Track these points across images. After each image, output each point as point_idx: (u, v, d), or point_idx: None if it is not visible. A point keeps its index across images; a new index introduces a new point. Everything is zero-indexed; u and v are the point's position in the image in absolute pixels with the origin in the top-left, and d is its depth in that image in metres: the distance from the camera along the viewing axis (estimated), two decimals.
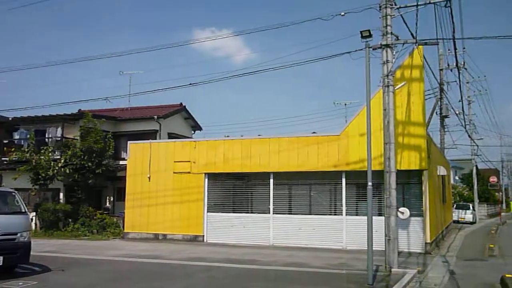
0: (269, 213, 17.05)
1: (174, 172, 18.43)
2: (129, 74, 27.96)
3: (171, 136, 24.62)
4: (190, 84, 15.81)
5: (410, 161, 14.87)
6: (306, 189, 17.54)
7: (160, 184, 18.64)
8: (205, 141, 18.77)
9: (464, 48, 31.47)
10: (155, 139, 23.05)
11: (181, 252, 14.91)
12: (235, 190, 17.89)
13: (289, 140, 16.98)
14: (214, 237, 17.62)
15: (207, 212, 17.90)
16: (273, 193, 17.13)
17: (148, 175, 18.79)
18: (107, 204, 23.82)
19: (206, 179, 18.07)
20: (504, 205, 61.50)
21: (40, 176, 20.37)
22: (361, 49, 11.49)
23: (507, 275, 9.74)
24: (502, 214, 42.47)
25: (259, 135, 18.59)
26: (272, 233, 16.89)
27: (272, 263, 12.56)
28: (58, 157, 21.30)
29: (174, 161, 18.50)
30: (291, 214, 17.09)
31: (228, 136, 19.81)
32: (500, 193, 53.94)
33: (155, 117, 23.99)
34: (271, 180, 17.16)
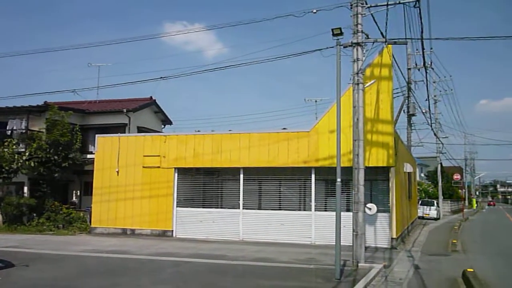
0: (239, 208, 17.07)
1: (144, 167, 18.20)
2: (98, 66, 27.30)
3: (141, 130, 24.27)
4: (161, 77, 15.61)
5: (378, 158, 15.14)
6: (276, 184, 17.62)
7: (129, 179, 18.37)
8: (175, 135, 18.58)
9: (431, 49, 32.30)
10: (124, 132, 22.67)
11: (150, 247, 14.77)
12: (205, 185, 17.84)
13: (260, 136, 17.02)
14: (183, 232, 17.53)
15: (177, 207, 17.78)
16: (243, 189, 17.15)
17: (117, 169, 18.49)
18: (74, 199, 23.28)
19: (176, 174, 17.93)
20: (467, 202, 63.57)
21: (3, 169, 19.73)
22: (332, 47, 11.64)
23: (468, 270, 10.05)
24: (465, 210, 43.86)
25: (229, 131, 18.54)
26: (241, 228, 16.92)
27: (240, 258, 12.59)
28: (23, 150, 20.66)
29: (144, 156, 18.27)
30: (261, 209, 17.14)
31: (198, 131, 19.67)
32: (463, 190, 55.57)
33: (124, 110, 23.57)
34: (241, 176, 17.17)
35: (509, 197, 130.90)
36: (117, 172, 18.46)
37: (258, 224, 16.79)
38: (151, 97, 26.36)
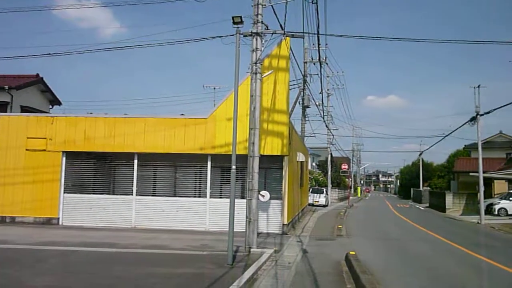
0: (132, 194, 16.54)
1: (27, 149, 16.81)
2: None
3: (25, 109, 22.33)
4: (49, 54, 14.47)
5: (273, 146, 15.57)
6: (171, 171, 17.34)
7: (9, 162, 16.84)
8: (64, 117, 17.38)
9: (326, 44, 33.99)
10: (6, 112, 20.73)
11: (32, 236, 13.71)
12: (96, 171, 16.97)
13: (156, 121, 16.57)
14: (71, 219, 16.56)
15: (64, 193, 16.74)
16: (137, 175, 16.63)
17: None
18: None
19: (64, 158, 16.84)
20: (352, 190, 68.32)
21: None
22: (232, 35, 11.61)
23: (350, 253, 10.79)
24: (351, 198, 47.10)
25: (125, 114, 17.78)
26: (134, 215, 16.43)
27: (132, 246, 12.22)
28: None
29: (27, 137, 16.86)
30: (155, 196, 16.77)
31: (91, 113, 18.60)
32: (350, 179, 59.61)
33: (6, 87, 21.48)
34: (136, 161, 16.63)
35: (389, 186, 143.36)
36: None
37: (152, 211, 16.43)
38: (37, 74, 24.32)
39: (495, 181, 35.42)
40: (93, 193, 16.84)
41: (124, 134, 16.52)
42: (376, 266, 10.30)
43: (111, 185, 17.24)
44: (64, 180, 16.81)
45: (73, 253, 11.07)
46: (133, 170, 16.64)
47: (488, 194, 33.17)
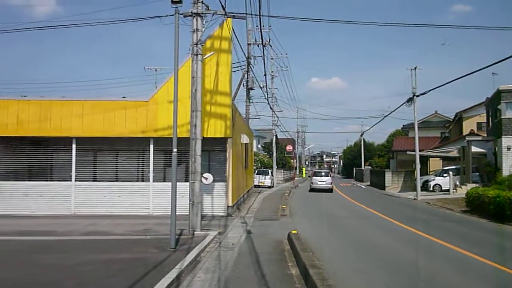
0: (71, 180, 15.98)
1: None
2: None
3: None
4: None
5: (216, 129, 15.50)
6: (112, 155, 16.88)
7: None
8: None
9: (270, 26, 34.02)
10: None
11: None
12: (31, 156, 16.15)
13: (94, 104, 16.01)
14: (4, 208, 15.74)
15: None
16: (76, 160, 16.06)
17: None
18: None
19: None
20: (298, 170, 69.67)
21: None
22: (172, 15, 11.32)
23: (292, 232, 11.04)
24: (296, 178, 48.02)
25: (63, 97, 17.00)
26: (73, 202, 15.91)
27: (71, 233, 11.85)
28: None
29: None
30: (96, 181, 16.29)
31: (25, 96, 17.62)
32: (295, 160, 60.65)
33: None
34: (74, 146, 16.03)
35: (333, 166, 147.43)
36: None
37: (92, 196, 15.96)
38: None
39: (430, 159, 37.38)
40: (29, 180, 16.10)
41: (60, 117, 15.84)
42: (316, 243, 10.61)
43: (48, 171, 16.54)
44: None
45: (6, 243, 10.59)
46: (71, 155, 16.04)
47: (424, 171, 35.00)
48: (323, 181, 33.46)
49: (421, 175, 28.98)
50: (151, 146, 16.06)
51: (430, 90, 25.32)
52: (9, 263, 8.44)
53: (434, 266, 8.79)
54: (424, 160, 35.64)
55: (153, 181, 16.05)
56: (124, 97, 17.26)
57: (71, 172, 16.01)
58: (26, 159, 16.13)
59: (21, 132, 15.94)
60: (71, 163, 16.03)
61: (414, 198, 26.72)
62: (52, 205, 15.82)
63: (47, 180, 16.27)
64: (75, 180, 16.02)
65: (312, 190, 32.96)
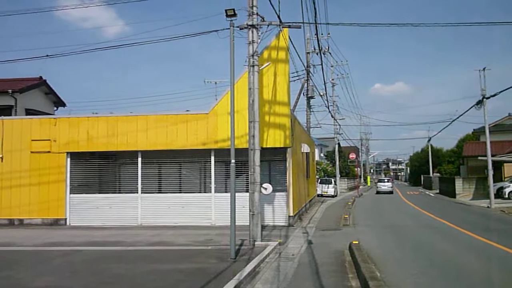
0: (137, 192, 16.61)
1: (32, 152, 16.96)
2: None
3: (30, 112, 22.47)
4: (47, 55, 14.50)
5: (275, 139, 15.51)
6: (175, 167, 17.37)
7: (14, 165, 16.99)
8: (66, 118, 17.48)
9: (328, 34, 33.74)
10: (11, 115, 20.89)
11: (39, 237, 13.82)
12: (101, 170, 17.04)
13: (157, 118, 16.60)
14: (78, 220, 16.69)
15: (70, 193, 16.87)
16: (142, 172, 16.69)
17: (1, 155, 17.00)
18: None
19: (68, 159, 16.94)
20: (362, 179, 68.09)
21: None
22: (228, 28, 11.53)
23: (354, 242, 10.75)
24: (360, 187, 46.93)
25: (131, 113, 17.81)
26: (140, 213, 16.51)
27: (137, 244, 12.28)
28: None
29: (31, 140, 17.00)
30: (160, 193, 16.85)
31: (96, 113, 18.63)
32: (359, 169, 59.38)
33: (10, 91, 21.64)
34: (139, 159, 16.69)
35: (399, 173, 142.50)
36: (1, 158, 17.00)
37: (157, 208, 16.49)
38: (40, 77, 24.46)
39: (504, 164, 35.07)
40: (99, 193, 16.95)
41: (126, 132, 16.58)
42: (379, 255, 10.25)
43: (116, 184, 17.34)
44: (70, 181, 16.92)
45: (78, 253, 11.15)
46: (137, 168, 16.70)
47: (498, 177, 32.87)
48: (385, 186, 45.06)
49: (494, 182, 27.25)
50: (212, 158, 16.36)
51: (501, 91, 23.79)
52: (80, 272, 8.87)
53: None
54: (498, 165, 33.52)
55: (215, 192, 16.31)
56: (187, 110, 17.75)
57: (137, 184, 16.66)
58: (96, 173, 17.02)
59: (91, 147, 16.86)
60: (137, 176, 16.69)
61: (488, 206, 25.15)
62: (121, 217, 16.51)
63: (115, 193, 17.05)
64: (141, 192, 16.64)
65: (378, 192, 44.34)
